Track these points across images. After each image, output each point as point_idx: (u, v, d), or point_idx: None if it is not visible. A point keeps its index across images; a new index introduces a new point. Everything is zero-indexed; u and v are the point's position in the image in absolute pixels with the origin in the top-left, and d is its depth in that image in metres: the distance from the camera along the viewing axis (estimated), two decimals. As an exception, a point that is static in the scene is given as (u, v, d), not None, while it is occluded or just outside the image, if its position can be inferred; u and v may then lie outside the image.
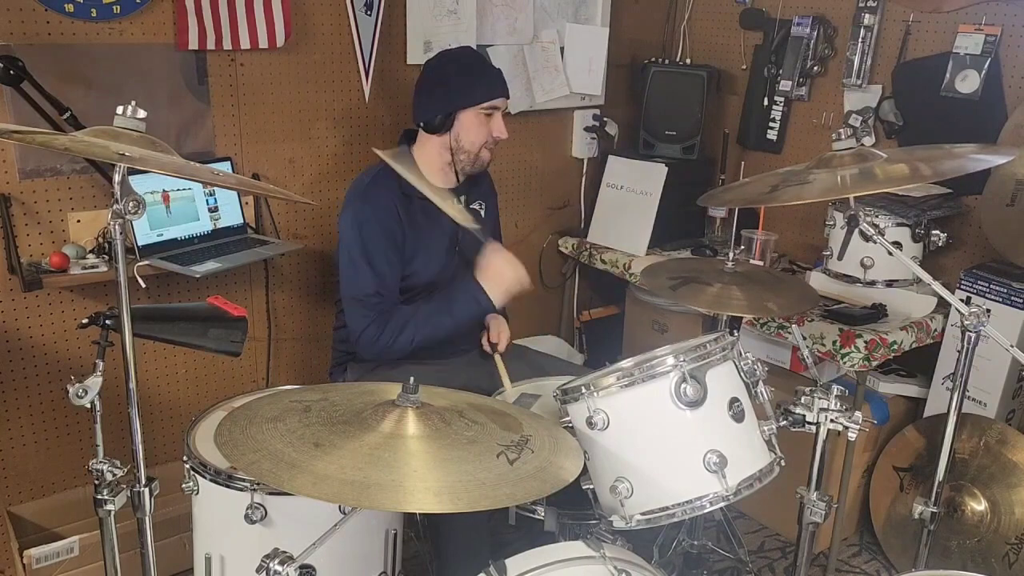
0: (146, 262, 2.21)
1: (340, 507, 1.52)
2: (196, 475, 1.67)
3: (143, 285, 2.09)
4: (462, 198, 2.29)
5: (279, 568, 1.30)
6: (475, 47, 2.81)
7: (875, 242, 1.65)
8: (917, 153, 1.78)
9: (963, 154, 1.70)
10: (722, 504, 1.45)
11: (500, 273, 2.16)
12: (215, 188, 2.41)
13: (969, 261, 2.60)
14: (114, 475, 1.46)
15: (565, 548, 1.43)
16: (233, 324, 1.65)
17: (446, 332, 2.15)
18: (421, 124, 2.21)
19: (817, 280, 2.61)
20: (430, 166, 2.23)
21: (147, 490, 1.46)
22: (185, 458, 1.70)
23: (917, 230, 2.45)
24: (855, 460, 2.57)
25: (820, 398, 1.61)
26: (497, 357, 2.22)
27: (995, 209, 2.41)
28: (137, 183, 2.15)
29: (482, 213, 2.37)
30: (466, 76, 2.18)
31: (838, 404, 1.60)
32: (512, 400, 1.98)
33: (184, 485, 1.68)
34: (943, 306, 2.47)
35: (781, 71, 3.00)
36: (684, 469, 1.46)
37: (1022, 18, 2.42)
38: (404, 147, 2.25)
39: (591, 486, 1.56)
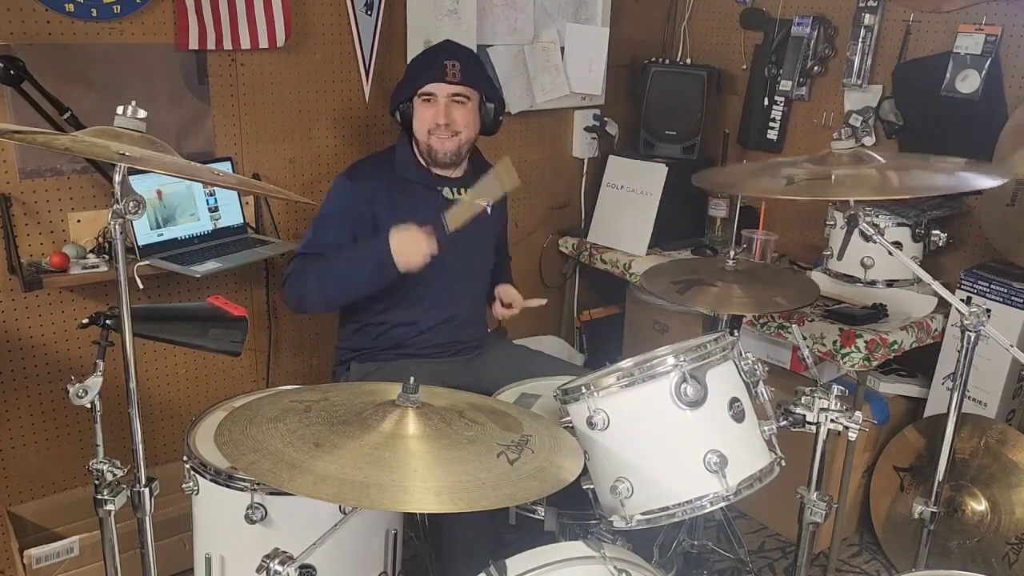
0: (146, 262, 2.21)
1: (340, 507, 1.52)
2: (196, 475, 1.67)
3: (142, 285, 2.09)
4: (466, 189, 2.29)
5: (279, 568, 1.29)
6: (475, 47, 2.81)
7: (875, 242, 1.65)
8: (913, 162, 1.79)
9: (953, 170, 1.71)
10: (722, 504, 1.45)
11: (411, 242, 2.06)
12: (215, 188, 2.41)
13: (969, 261, 2.60)
14: (114, 475, 1.46)
15: (565, 548, 1.42)
16: (233, 324, 1.64)
17: (355, 289, 2.12)
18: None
19: (817, 280, 2.61)
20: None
21: (147, 490, 1.45)
22: (185, 458, 1.69)
23: (917, 230, 2.45)
24: (855, 460, 2.57)
25: (820, 398, 1.60)
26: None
27: (995, 209, 2.41)
28: (137, 183, 2.16)
29: (488, 210, 2.35)
30: (410, 68, 2.23)
31: (838, 404, 1.60)
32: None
33: (184, 485, 1.68)
34: (943, 306, 2.47)
35: (781, 71, 3.00)
36: (684, 469, 1.46)
37: (1022, 18, 2.42)
38: (404, 134, 2.26)
39: (591, 486, 1.56)
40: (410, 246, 2.01)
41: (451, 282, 2.24)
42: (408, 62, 2.35)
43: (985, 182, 1.67)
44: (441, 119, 2.14)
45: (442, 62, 2.15)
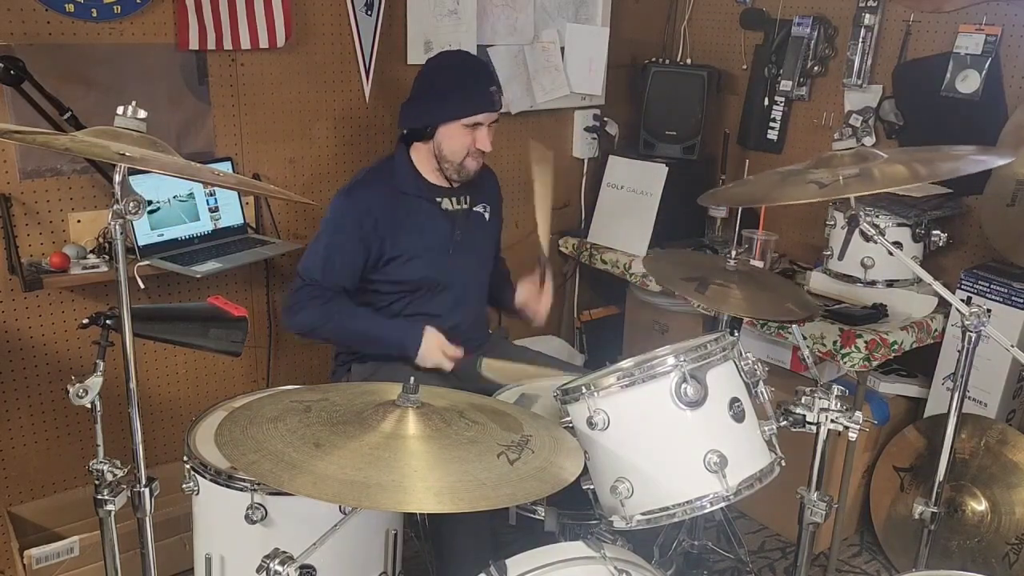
0: (146, 262, 2.21)
1: (340, 507, 1.52)
2: (196, 475, 1.67)
3: (143, 285, 2.09)
4: (465, 198, 2.29)
5: (279, 568, 1.30)
6: (476, 47, 2.81)
7: (875, 242, 1.65)
8: (916, 155, 1.78)
9: (962, 155, 1.70)
10: (722, 504, 1.45)
11: (438, 348, 2.15)
12: (215, 188, 2.41)
13: (969, 261, 2.60)
14: (114, 475, 1.46)
15: (565, 548, 1.42)
16: (233, 324, 1.65)
17: (360, 347, 2.24)
18: (405, 131, 2.22)
19: (817, 280, 2.61)
20: (425, 167, 2.24)
21: (147, 490, 1.46)
22: (185, 458, 1.69)
23: (917, 230, 2.45)
24: (855, 460, 2.57)
25: (820, 398, 1.60)
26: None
27: (995, 209, 2.41)
28: (137, 183, 2.16)
29: (486, 216, 2.36)
30: (451, 90, 2.14)
31: (838, 404, 1.60)
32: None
33: (184, 485, 1.68)
34: (943, 306, 2.47)
35: (781, 71, 3.00)
36: (684, 469, 1.46)
37: (1022, 18, 2.42)
38: (402, 147, 2.26)
39: (591, 486, 1.56)
40: (436, 354, 2.13)
41: (456, 293, 2.25)
42: (428, 76, 2.19)
43: (995, 161, 1.68)
44: (487, 145, 2.17)
45: (488, 90, 2.15)
